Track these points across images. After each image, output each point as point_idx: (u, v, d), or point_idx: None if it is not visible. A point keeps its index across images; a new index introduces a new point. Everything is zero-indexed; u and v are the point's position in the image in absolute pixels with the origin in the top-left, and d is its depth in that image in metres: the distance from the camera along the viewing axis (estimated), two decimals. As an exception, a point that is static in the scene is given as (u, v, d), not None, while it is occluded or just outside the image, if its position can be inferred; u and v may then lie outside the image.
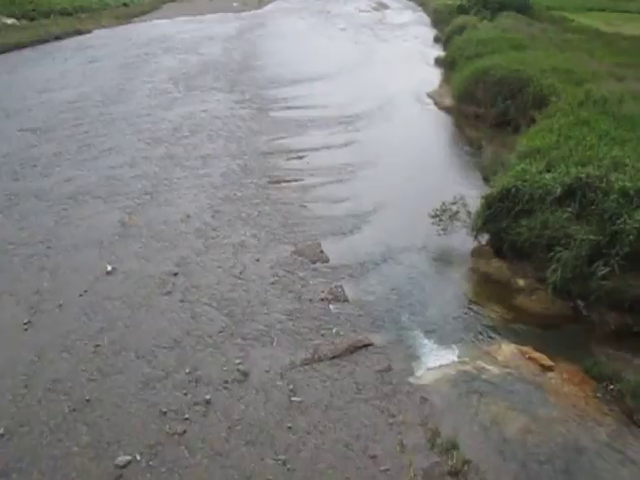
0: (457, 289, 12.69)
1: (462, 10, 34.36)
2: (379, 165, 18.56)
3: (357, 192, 16.80)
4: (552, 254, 11.39)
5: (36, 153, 19.58)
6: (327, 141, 20.26)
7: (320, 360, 10.63)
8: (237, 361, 10.62)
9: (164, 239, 14.57)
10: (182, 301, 12.21)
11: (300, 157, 19.02)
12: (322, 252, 13.99)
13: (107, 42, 37.46)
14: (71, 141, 20.55)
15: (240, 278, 13.06)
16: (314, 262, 13.62)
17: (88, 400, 9.64)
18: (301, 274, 13.21)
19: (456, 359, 10.32)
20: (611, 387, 9.17)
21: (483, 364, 10.06)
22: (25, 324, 11.44)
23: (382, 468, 8.28)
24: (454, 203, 14.21)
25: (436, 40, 34.56)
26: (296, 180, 17.52)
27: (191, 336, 11.21)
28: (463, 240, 13.91)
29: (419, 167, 18.20)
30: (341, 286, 12.74)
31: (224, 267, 13.47)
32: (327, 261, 13.69)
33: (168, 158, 19.13)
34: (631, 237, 10.35)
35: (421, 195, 16.13)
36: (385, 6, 52.48)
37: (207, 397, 9.72)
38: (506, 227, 12.76)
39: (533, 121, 17.39)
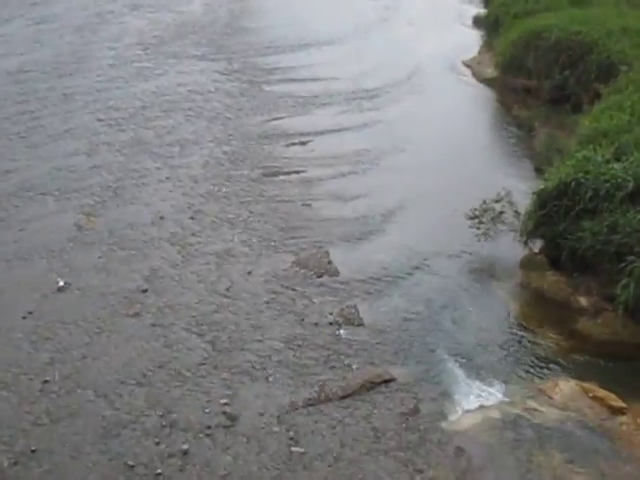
0: (502, 309, 12.67)
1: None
2: (404, 152, 18.50)
3: (376, 187, 16.74)
4: (623, 265, 11.28)
5: (-32, 139, 19.91)
6: (338, 122, 20.24)
7: (328, 400, 10.61)
8: (223, 401, 10.59)
9: (131, 247, 14.61)
10: (153, 325, 12.27)
11: (303, 143, 19.04)
12: (330, 263, 13.97)
13: (60, -3, 37.76)
14: (13, 122, 20.57)
15: (227, 296, 13.08)
16: (320, 275, 13.64)
17: (34, 451, 9.65)
18: (304, 291, 13.24)
19: (501, 399, 10.42)
20: (700, 435, 9.27)
21: (535, 405, 10.11)
22: (-45, 354, 11.67)
23: (406, 539, 8.85)
24: (498, 201, 14.19)
25: (475, -7, 34.70)
26: (298, 172, 17.53)
27: (165, 369, 11.20)
28: (510, 247, 13.86)
29: (454, 155, 18.18)
30: (355, 306, 12.75)
31: (206, 282, 13.47)
32: (337, 274, 13.70)
33: (136, 144, 19.21)
34: None
35: (457, 190, 16.12)
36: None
37: (184, 447, 9.75)
38: (564, 231, 12.67)
39: (598, 96, 17.25)
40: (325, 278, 13.60)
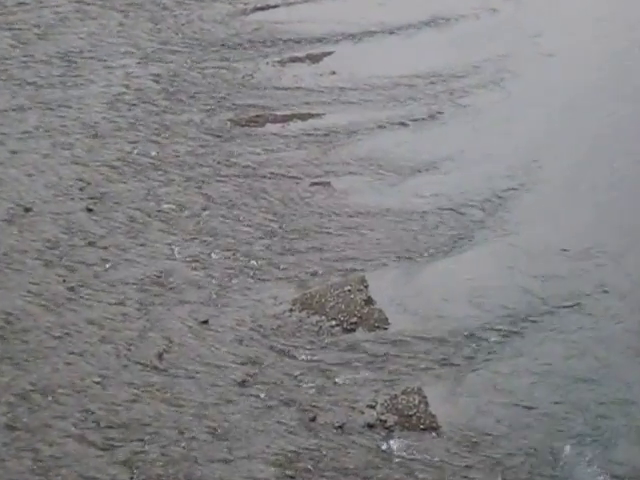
0: None
1: None
2: (525, 71, 18.78)
3: (468, 145, 16.97)
4: None
5: None
6: (386, 13, 20.42)
7: None
8: None
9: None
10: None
11: (313, 57, 19.34)
12: (370, 303, 14.07)
13: None
14: None
15: (157, 369, 13.08)
16: (350, 328, 13.70)
17: None
18: (315, 359, 13.25)
19: None
20: None
21: None
22: None
23: None
24: None
25: None
26: (303, 117, 17.81)
27: None
28: None
29: (632, 78, 18.33)
30: (420, 390, 12.72)
31: (115, 339, 13.49)
32: (384, 326, 13.77)
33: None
34: None
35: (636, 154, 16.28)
36: None
37: None
38: None
39: None
40: (360, 333, 13.59)
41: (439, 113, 17.55)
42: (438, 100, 17.87)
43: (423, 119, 17.43)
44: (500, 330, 13.65)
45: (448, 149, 16.64)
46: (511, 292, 14.19)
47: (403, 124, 17.24)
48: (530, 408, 12.58)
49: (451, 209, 15.53)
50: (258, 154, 16.70)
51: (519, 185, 15.93)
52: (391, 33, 19.72)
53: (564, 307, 13.94)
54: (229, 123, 17.43)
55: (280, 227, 15.32)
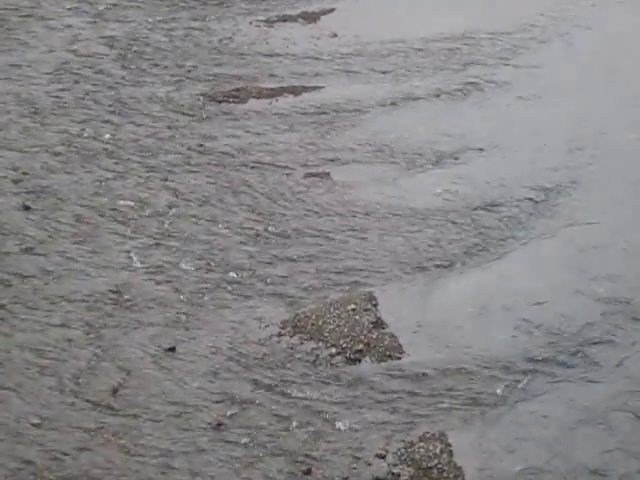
0: None
1: None
2: (598, 19, 19.50)
3: (512, 118, 17.18)
4: None
5: None
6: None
7: None
8: None
9: None
10: None
11: (309, 16, 19.51)
12: (379, 326, 14.00)
13: None
14: None
15: (111, 408, 12.86)
16: (353, 359, 13.58)
17: None
18: (310, 395, 13.12)
19: None
20: None
21: None
22: None
23: None
24: None
25: None
26: (296, 90, 17.93)
27: None
28: None
29: None
30: (441, 436, 12.53)
31: (57, 369, 13.30)
32: (397, 355, 13.68)
33: None
34: None
35: None
36: None
37: None
38: None
39: None
40: (367, 365, 13.48)
41: (476, 81, 17.45)
42: (477, 65, 18.00)
43: (452, 91, 17.50)
44: (548, 356, 13.56)
45: (487, 128, 16.95)
46: (567, 303, 14.18)
47: (423, 99, 17.14)
48: (588, 458, 12.24)
49: (484, 206, 15.58)
50: (239, 137, 16.81)
51: (581, 165, 16.11)
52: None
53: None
54: (202, 98, 17.59)
55: (266, 230, 15.31)
